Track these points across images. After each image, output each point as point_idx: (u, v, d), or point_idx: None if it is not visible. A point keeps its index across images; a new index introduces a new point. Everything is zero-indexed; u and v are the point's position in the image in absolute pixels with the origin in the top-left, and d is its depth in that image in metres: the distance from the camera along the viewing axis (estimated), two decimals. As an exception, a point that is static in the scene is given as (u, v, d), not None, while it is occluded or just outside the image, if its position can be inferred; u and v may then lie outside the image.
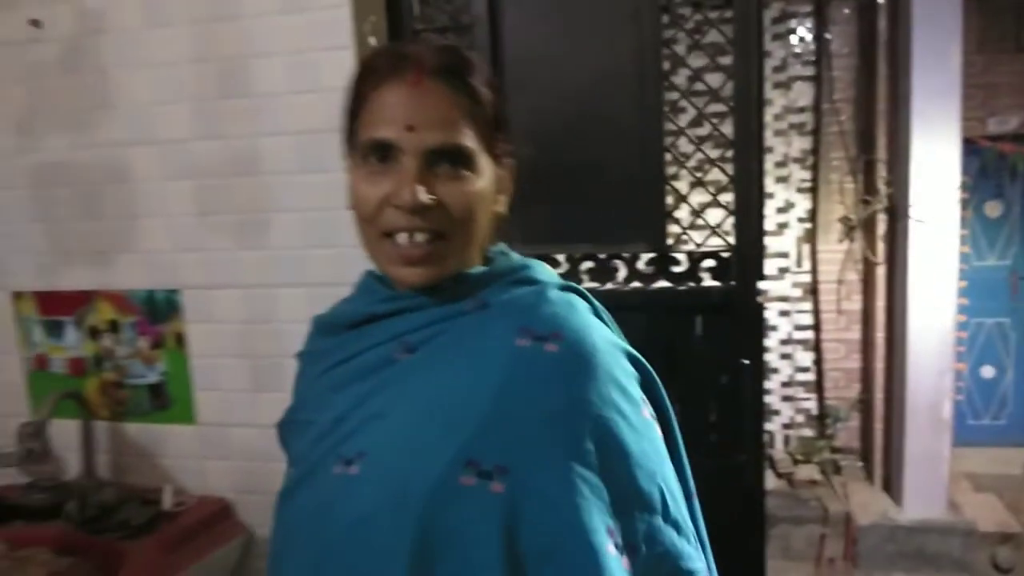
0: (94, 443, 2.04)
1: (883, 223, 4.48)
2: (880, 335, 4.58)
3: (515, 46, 1.84)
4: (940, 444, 4.33)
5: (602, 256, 1.85)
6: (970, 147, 4.36)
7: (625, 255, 1.84)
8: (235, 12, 1.78)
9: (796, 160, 4.72)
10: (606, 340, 0.86)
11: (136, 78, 1.87)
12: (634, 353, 0.90)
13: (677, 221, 1.87)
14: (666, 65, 1.80)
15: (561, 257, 1.86)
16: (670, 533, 0.83)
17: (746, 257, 1.79)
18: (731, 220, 1.81)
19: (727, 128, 1.79)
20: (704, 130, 1.87)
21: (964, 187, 4.22)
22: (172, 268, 1.94)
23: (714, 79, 1.83)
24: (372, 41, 1.73)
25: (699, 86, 1.84)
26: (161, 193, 1.90)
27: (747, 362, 1.76)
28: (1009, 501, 4.46)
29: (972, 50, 4.18)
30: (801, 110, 4.69)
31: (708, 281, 1.82)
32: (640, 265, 1.84)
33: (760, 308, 1.79)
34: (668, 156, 1.83)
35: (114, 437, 2.06)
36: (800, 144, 4.71)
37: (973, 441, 4.81)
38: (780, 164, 4.69)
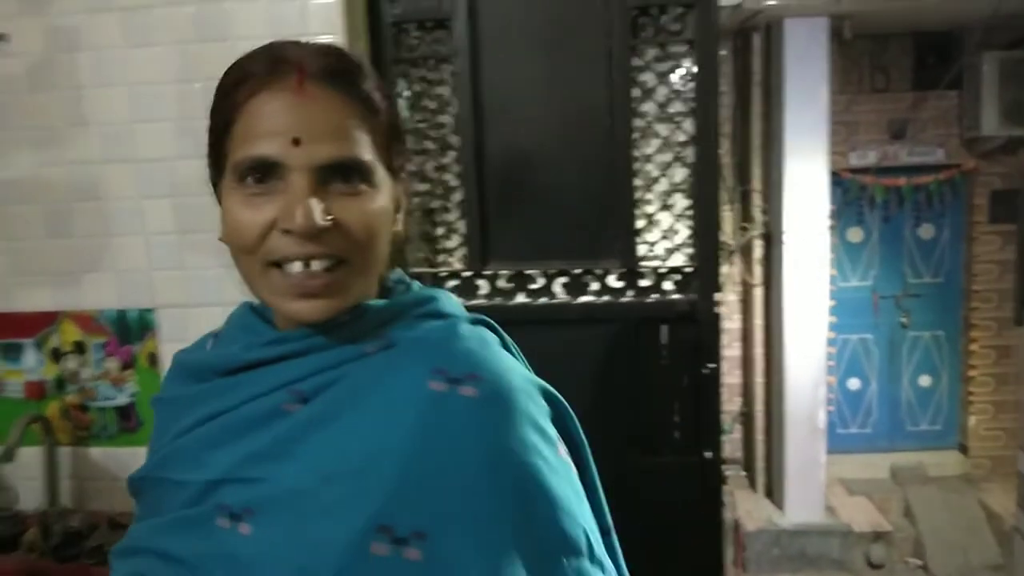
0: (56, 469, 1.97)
1: (759, 248, 4.83)
2: (759, 351, 4.90)
3: (494, 76, 1.96)
4: (817, 452, 4.66)
5: (576, 272, 1.97)
6: (834, 179, 4.78)
7: (597, 271, 1.97)
8: (223, 34, 1.80)
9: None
10: (523, 378, 0.78)
11: (113, 96, 1.84)
12: (547, 387, 0.81)
13: (646, 239, 2.02)
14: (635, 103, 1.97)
15: (537, 272, 1.97)
16: (596, 573, 0.77)
17: (706, 271, 1.96)
18: (690, 238, 1.98)
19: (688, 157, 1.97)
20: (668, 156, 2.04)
21: (830, 215, 4.62)
22: (147, 287, 1.90)
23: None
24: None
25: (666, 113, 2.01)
26: (138, 211, 1.88)
27: (712, 365, 1.92)
28: (879, 503, 4.85)
29: (835, 90, 4.58)
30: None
31: (672, 294, 1.98)
32: (611, 280, 1.97)
33: (718, 317, 1.95)
34: (636, 180, 1.99)
35: (77, 462, 2.00)
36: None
37: (843, 448, 5.19)
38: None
